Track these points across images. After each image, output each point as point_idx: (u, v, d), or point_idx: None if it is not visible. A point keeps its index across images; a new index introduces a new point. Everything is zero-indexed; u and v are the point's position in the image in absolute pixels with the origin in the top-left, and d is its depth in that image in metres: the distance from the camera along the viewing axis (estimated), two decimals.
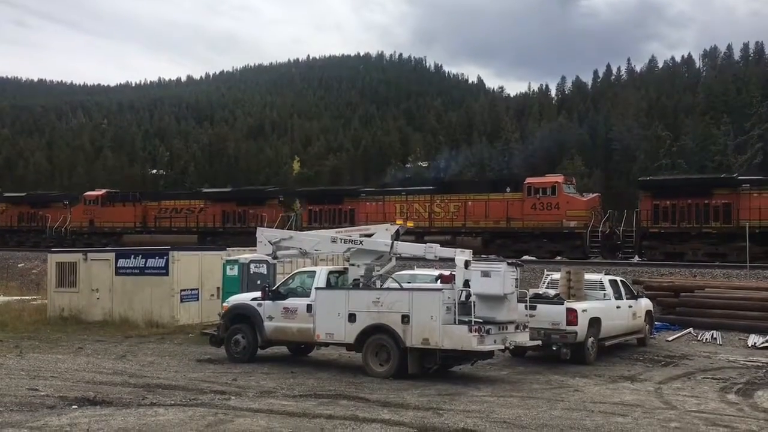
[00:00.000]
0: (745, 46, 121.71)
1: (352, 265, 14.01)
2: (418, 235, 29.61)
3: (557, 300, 14.79)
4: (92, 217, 42.19)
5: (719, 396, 11.47)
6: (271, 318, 14.09)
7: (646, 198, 29.29)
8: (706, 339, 18.08)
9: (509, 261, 12.89)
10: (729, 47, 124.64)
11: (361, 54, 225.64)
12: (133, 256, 21.09)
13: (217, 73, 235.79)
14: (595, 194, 32.75)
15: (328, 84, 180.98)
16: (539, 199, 30.41)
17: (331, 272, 14.43)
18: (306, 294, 13.89)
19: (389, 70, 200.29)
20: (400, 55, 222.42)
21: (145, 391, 10.83)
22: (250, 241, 35.72)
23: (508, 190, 31.83)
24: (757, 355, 16.06)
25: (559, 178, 31.84)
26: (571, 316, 14.19)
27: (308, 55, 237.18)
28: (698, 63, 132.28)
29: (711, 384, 12.55)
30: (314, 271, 14.46)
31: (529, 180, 31.83)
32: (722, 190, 27.91)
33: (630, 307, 16.53)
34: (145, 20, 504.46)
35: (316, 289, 13.64)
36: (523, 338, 12.96)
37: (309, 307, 13.59)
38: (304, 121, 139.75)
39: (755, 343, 17.33)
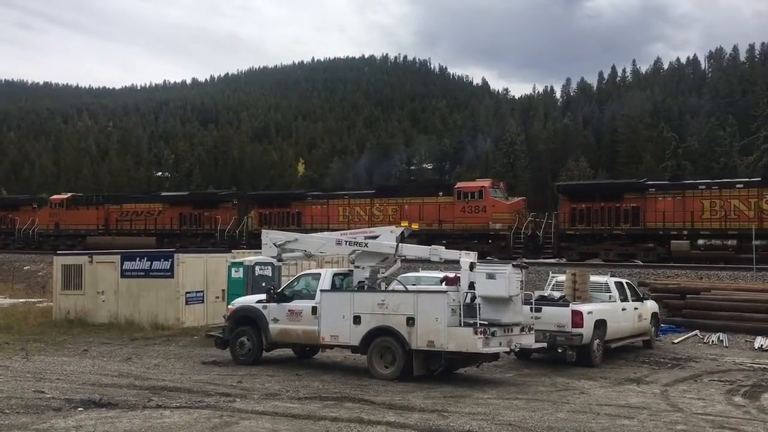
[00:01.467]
0: (751, 47, 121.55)
1: (357, 267, 13.99)
2: None
3: (562, 302, 14.77)
4: (58, 219, 43.60)
5: (726, 398, 11.42)
6: (276, 320, 14.09)
7: (564, 202, 31.06)
8: (713, 341, 18.02)
9: (514, 263, 12.87)
10: (735, 48, 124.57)
11: (366, 56, 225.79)
12: (138, 258, 21.13)
13: (222, 75, 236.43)
14: (519, 198, 34.67)
15: (333, 86, 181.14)
16: (468, 203, 32.15)
17: (336, 274, 14.42)
18: (311, 296, 13.89)
19: (394, 71, 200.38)
20: (405, 56, 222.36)
21: (151, 394, 10.85)
22: (205, 243, 37.18)
23: (440, 194, 33.51)
24: (763, 357, 15.99)
25: (486, 182, 33.52)
26: (577, 318, 14.15)
27: (312, 57, 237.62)
28: (704, 64, 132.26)
29: (717, 386, 12.50)
30: (319, 274, 14.46)
31: (459, 185, 33.80)
32: (632, 195, 29.58)
33: (636, 309, 16.48)
34: (149, 22, 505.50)
35: (321, 291, 13.63)
36: (529, 340, 12.92)
37: (314, 309, 13.58)
38: (309, 123, 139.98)
39: (762, 345, 17.26)
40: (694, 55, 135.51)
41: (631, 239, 28.84)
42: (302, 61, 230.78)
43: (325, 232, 17.97)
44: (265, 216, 38.03)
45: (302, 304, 13.88)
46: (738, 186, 27.88)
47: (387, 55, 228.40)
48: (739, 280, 22.69)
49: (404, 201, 34.31)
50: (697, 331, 18.81)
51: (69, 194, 46.66)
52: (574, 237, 29.79)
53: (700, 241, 27.48)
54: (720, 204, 27.48)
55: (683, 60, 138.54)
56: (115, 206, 42.70)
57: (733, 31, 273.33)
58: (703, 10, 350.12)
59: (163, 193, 46.69)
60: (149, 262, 20.69)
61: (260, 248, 16.08)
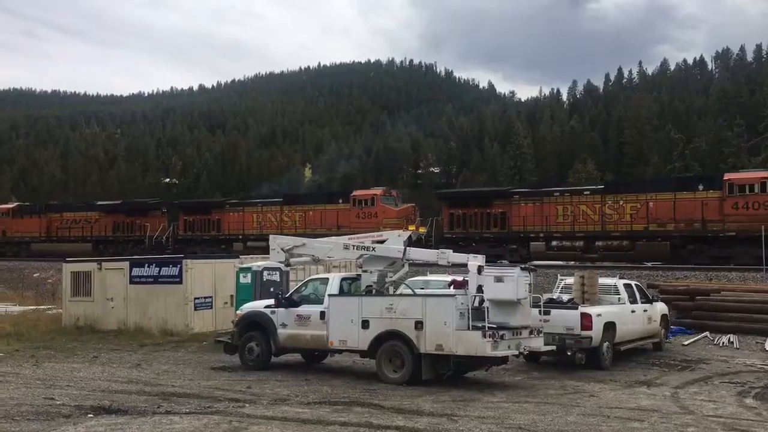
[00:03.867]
0: (758, 47, 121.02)
1: (365, 271, 14.00)
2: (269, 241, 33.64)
3: (571, 305, 14.72)
4: (4, 228, 46.60)
5: (737, 400, 11.35)
6: (284, 325, 14.10)
7: (445, 208, 34.39)
8: (723, 343, 17.90)
9: (522, 266, 12.84)
10: (742, 48, 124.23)
11: (372, 60, 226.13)
12: (147, 264, 21.19)
13: (229, 81, 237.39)
14: (409, 204, 37.35)
15: (339, 91, 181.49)
16: (362, 209, 35.34)
17: (344, 279, 14.43)
18: (319, 301, 13.89)
19: (400, 76, 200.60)
20: (411, 61, 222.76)
21: (160, 400, 10.86)
22: (136, 249, 39.22)
23: (340, 201, 36.77)
24: None
25: (378, 191, 36.63)
26: (586, 320, 14.10)
27: (319, 63, 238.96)
28: (710, 65, 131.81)
29: (728, 388, 12.43)
30: (327, 278, 14.48)
31: (355, 193, 37.01)
32: (499, 201, 32.75)
33: (645, 311, 16.41)
34: (155, 29, 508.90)
35: (329, 296, 13.64)
36: (538, 343, 12.88)
37: (322, 314, 13.59)
38: (316, 128, 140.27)
39: None
40: (701, 56, 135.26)
41: (498, 241, 31.50)
42: (308, 67, 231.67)
43: (333, 237, 18.00)
44: (189, 223, 41.05)
45: (310, 309, 13.88)
46: (585, 193, 31.04)
47: (393, 59, 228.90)
48: (749, 282, 22.56)
49: (309, 208, 37.41)
50: (707, 333, 18.70)
51: (15, 204, 50.70)
52: (452, 240, 31.76)
53: (554, 243, 30.43)
54: (571, 209, 30.42)
55: (690, 61, 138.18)
56: (56, 215, 45.64)
57: (739, 32, 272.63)
58: (709, 11, 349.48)
59: (99, 202, 49.03)
60: (158, 269, 20.74)
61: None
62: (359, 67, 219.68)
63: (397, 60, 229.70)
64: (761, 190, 26.44)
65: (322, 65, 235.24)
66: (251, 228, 38.44)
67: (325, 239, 16.61)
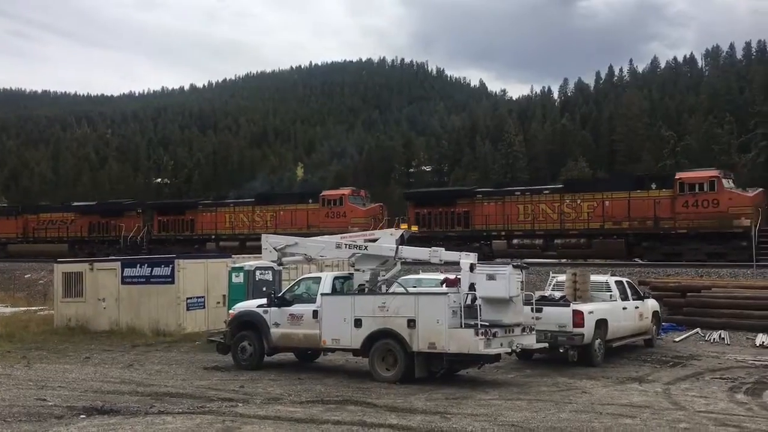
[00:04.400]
0: (748, 45, 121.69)
1: (357, 270, 13.99)
2: (241, 242, 36.68)
3: (563, 302, 14.76)
4: None
5: (728, 396, 11.42)
6: (277, 324, 14.09)
7: (411, 207, 35.28)
8: (714, 339, 18.02)
9: (515, 263, 12.87)
10: (731, 46, 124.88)
11: (363, 59, 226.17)
12: (138, 265, 21.13)
13: (220, 81, 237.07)
14: (377, 204, 38.19)
15: (331, 90, 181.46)
16: (331, 209, 36.29)
17: (336, 278, 14.42)
18: (312, 300, 13.89)
19: (391, 75, 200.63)
20: (402, 59, 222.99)
21: (153, 400, 10.84)
22: (111, 249, 39.70)
23: (310, 201, 37.48)
24: (765, 354, 15.98)
25: (347, 191, 37.80)
26: (578, 318, 14.15)
27: (310, 62, 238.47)
28: (700, 62, 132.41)
29: (719, 384, 12.50)
30: (319, 277, 14.46)
31: (324, 193, 37.95)
32: (463, 200, 33.47)
33: (636, 308, 16.48)
34: (146, 29, 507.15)
35: (322, 294, 13.63)
36: (530, 341, 12.92)
37: (315, 313, 13.58)
38: (308, 128, 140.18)
39: (763, 342, 17.26)
40: (691, 53, 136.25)
41: (462, 240, 31.55)
42: (300, 66, 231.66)
43: (325, 236, 18.00)
44: (163, 223, 41.67)
45: (303, 308, 13.87)
46: (545, 192, 31.80)
47: (384, 58, 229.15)
48: (739, 278, 22.70)
49: (280, 208, 38.10)
50: (698, 329, 18.81)
51: None
52: (417, 238, 32.96)
53: (515, 241, 31.20)
54: (531, 208, 31.24)
55: (680, 58, 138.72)
56: (33, 216, 45.92)
57: (729, 29, 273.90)
58: (699, 9, 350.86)
59: (75, 203, 49.30)
60: (150, 269, 20.68)
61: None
62: (351, 66, 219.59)
63: (389, 59, 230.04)
64: (710, 189, 27.19)
65: (313, 64, 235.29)
66: (224, 228, 39.22)
67: (318, 238, 16.61)
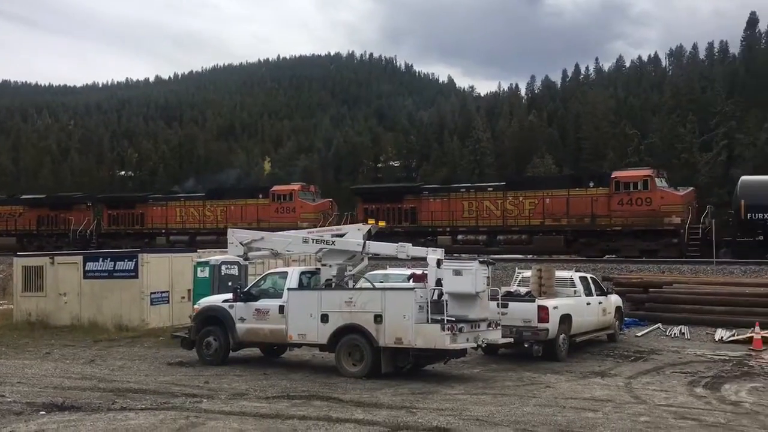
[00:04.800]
0: (710, 45, 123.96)
1: (324, 265, 13.97)
2: (191, 236, 37.66)
3: (529, 297, 14.91)
4: None
5: (687, 390, 11.65)
6: (242, 320, 13.99)
7: (360, 202, 35.52)
8: (675, 334, 18.35)
9: (481, 259, 12.96)
10: (694, 46, 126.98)
11: (332, 53, 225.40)
12: (101, 259, 20.81)
13: (186, 73, 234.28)
14: (326, 200, 38.27)
15: (299, 84, 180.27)
16: (281, 204, 36.49)
17: (303, 273, 14.39)
18: (278, 295, 13.82)
19: (360, 69, 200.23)
20: (371, 54, 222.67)
21: (115, 396, 10.69)
22: (60, 243, 39.48)
23: (260, 196, 37.67)
24: (723, 349, 16.35)
25: (296, 186, 38.02)
26: (543, 313, 14.31)
27: (278, 55, 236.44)
28: (664, 62, 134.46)
29: (679, 378, 12.75)
30: (286, 272, 14.41)
31: (274, 188, 38.10)
32: (410, 196, 33.91)
33: (600, 303, 16.72)
34: (108, 19, 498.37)
35: (289, 289, 13.57)
36: (496, 336, 13.03)
37: (281, 308, 13.52)
38: (275, 122, 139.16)
39: (722, 337, 17.64)
40: (655, 53, 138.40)
41: (409, 236, 32.05)
42: (267, 59, 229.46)
43: (292, 231, 17.91)
44: (113, 217, 41.52)
45: (269, 303, 13.80)
46: (489, 189, 32.53)
47: (353, 52, 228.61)
48: (700, 274, 23.14)
49: (230, 203, 38.18)
50: (659, 325, 19.14)
51: None
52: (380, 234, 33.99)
53: (459, 237, 31.76)
54: (476, 205, 31.84)
55: (644, 58, 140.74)
56: None
57: (692, 30, 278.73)
58: (662, 9, 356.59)
59: (23, 196, 48.72)
60: (113, 263, 20.39)
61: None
62: (319, 60, 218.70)
63: (357, 53, 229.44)
64: (644, 188, 28.13)
65: (281, 57, 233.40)
66: (174, 222, 39.30)
67: (284, 233, 16.51)
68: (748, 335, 16.87)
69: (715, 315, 18.99)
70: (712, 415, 9.61)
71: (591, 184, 29.75)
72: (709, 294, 19.81)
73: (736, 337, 17.35)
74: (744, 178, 29.66)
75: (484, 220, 31.61)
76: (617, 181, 28.75)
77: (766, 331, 16.87)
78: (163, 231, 39.34)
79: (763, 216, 26.62)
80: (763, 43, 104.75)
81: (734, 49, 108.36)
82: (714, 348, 16.52)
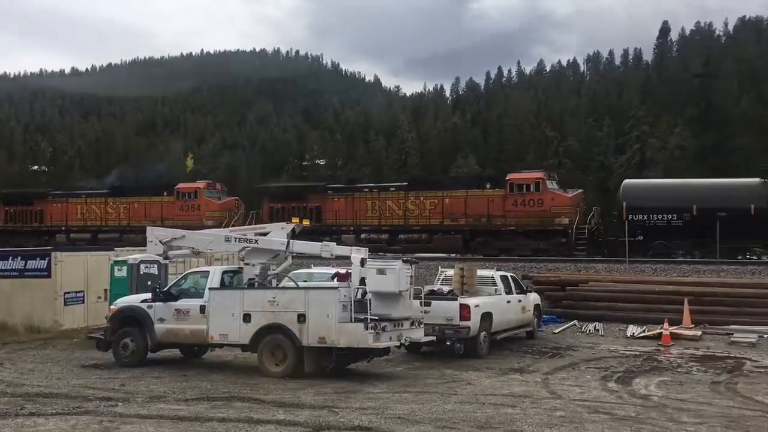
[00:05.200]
0: (625, 52, 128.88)
1: (247, 264, 13.80)
2: (93, 234, 37.60)
3: (451, 296, 15.14)
4: None
5: (601, 384, 12.08)
6: (162, 320, 13.65)
7: (265, 201, 35.50)
8: (590, 330, 19.01)
9: (404, 258, 13.08)
10: (611, 53, 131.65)
11: (257, 50, 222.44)
12: (11, 257, 19.88)
13: (104, 65, 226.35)
14: (232, 198, 38.83)
15: (224, 80, 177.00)
16: (186, 202, 36.90)
17: (225, 272, 14.16)
18: (199, 295, 13.56)
19: (286, 66, 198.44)
20: (297, 51, 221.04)
21: (24, 401, 10.24)
22: None
23: (164, 194, 37.69)
24: (635, 344, 17.04)
25: (201, 184, 38.33)
26: (464, 311, 14.56)
27: (202, 50, 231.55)
28: (582, 67, 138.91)
29: (593, 373, 13.21)
30: (207, 271, 14.15)
31: (179, 186, 38.16)
32: (315, 196, 34.71)
33: (519, 301, 17.15)
34: (20, 6, 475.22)
35: (210, 289, 13.33)
36: (418, 334, 13.17)
37: (202, 308, 13.28)
38: (198, 117, 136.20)
39: (633, 333, 18.38)
40: (574, 58, 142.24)
41: (313, 234, 33.34)
42: (191, 53, 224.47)
43: (215, 229, 17.60)
44: (10, 214, 40.77)
45: (190, 303, 13.53)
46: (391, 189, 33.58)
47: (279, 49, 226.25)
48: (614, 272, 24.05)
49: (133, 200, 38.08)
50: (575, 321, 19.79)
51: None
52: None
53: (363, 236, 32.35)
54: (379, 205, 32.79)
55: (564, 63, 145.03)
56: None
57: (609, 36, 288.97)
58: (582, 16, 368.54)
59: None
60: (23, 262, 19.51)
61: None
62: (244, 55, 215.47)
63: (283, 50, 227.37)
64: (535, 189, 29.69)
65: (205, 52, 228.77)
66: (75, 220, 38.73)
67: (206, 231, 16.23)
68: (658, 331, 17.64)
69: (627, 312, 19.79)
70: (623, 409, 10.00)
71: (488, 186, 31.07)
72: (622, 292, 20.63)
73: (646, 333, 18.12)
74: (626, 181, 31.62)
75: (387, 219, 32.43)
76: (511, 183, 30.12)
77: (674, 328, 17.71)
78: (63, 228, 38.42)
79: (643, 217, 28.44)
80: (674, 51, 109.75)
81: (648, 56, 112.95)
82: (626, 344, 17.19)
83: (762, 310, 18.92)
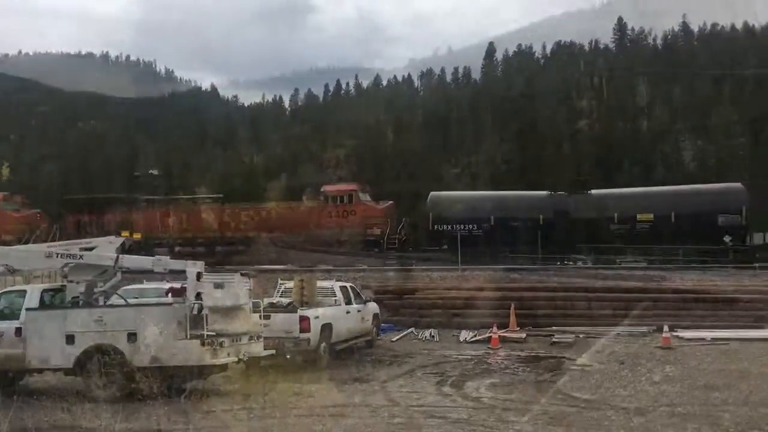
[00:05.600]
0: (456, 70, 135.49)
1: (71, 281, 12.86)
2: None
3: (291, 308, 15.04)
4: None
5: (436, 389, 12.51)
6: None
7: (70, 213, 35.78)
8: (426, 337, 19.66)
9: (242, 272, 12.84)
10: (442, 70, 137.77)
11: (83, 53, 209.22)
12: None
13: None
14: (35, 211, 37.21)
15: (43, 86, 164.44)
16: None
17: (45, 290, 13.16)
18: (15, 316, 12.51)
19: (114, 71, 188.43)
20: (128, 56, 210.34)
21: None
22: None
23: None
24: (467, 348, 17.86)
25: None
26: (304, 323, 14.54)
27: (20, 51, 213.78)
28: (417, 82, 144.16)
29: (429, 379, 13.66)
30: (25, 290, 13.06)
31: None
32: (124, 208, 35.46)
33: (359, 311, 17.41)
34: None
35: (27, 309, 12.31)
36: (258, 348, 12.95)
37: (18, 331, 12.22)
38: (17, 126, 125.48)
39: (466, 338, 19.25)
40: (408, 74, 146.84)
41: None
42: (7, 55, 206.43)
43: (33, 244, 16.28)
44: None
45: (4, 326, 12.45)
46: (207, 201, 35.08)
47: (107, 53, 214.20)
48: (447, 280, 25.08)
49: None
50: (412, 329, 20.38)
51: None
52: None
53: (177, 249, 32.29)
54: (194, 216, 33.71)
55: (399, 78, 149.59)
56: None
57: (439, 56, 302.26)
58: (416, 32, 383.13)
59: None
60: None
61: None
62: (69, 59, 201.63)
63: (112, 54, 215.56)
64: (349, 201, 31.73)
65: (23, 53, 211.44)
66: None
67: (24, 246, 15.03)
68: (487, 335, 18.61)
69: (460, 318, 20.68)
70: (456, 412, 10.42)
71: (305, 198, 32.36)
72: (455, 299, 21.55)
73: (477, 338, 19.04)
74: (432, 193, 33.85)
75: (203, 231, 32.55)
76: (326, 195, 31.55)
77: (502, 331, 18.77)
78: None
79: (446, 227, 30.58)
80: (500, 71, 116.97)
81: (476, 74, 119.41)
82: (459, 348, 17.96)
83: (578, 312, 20.58)
